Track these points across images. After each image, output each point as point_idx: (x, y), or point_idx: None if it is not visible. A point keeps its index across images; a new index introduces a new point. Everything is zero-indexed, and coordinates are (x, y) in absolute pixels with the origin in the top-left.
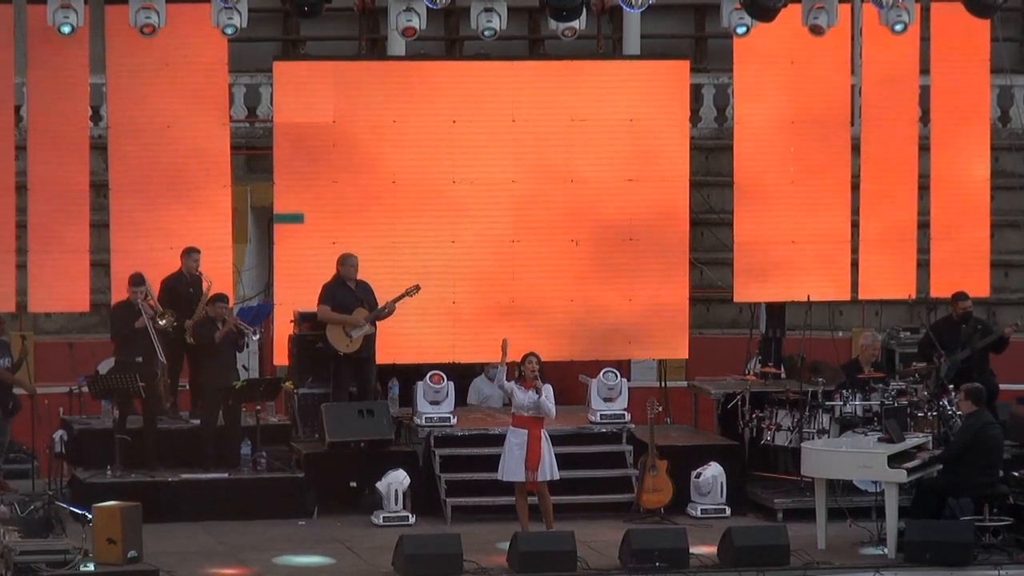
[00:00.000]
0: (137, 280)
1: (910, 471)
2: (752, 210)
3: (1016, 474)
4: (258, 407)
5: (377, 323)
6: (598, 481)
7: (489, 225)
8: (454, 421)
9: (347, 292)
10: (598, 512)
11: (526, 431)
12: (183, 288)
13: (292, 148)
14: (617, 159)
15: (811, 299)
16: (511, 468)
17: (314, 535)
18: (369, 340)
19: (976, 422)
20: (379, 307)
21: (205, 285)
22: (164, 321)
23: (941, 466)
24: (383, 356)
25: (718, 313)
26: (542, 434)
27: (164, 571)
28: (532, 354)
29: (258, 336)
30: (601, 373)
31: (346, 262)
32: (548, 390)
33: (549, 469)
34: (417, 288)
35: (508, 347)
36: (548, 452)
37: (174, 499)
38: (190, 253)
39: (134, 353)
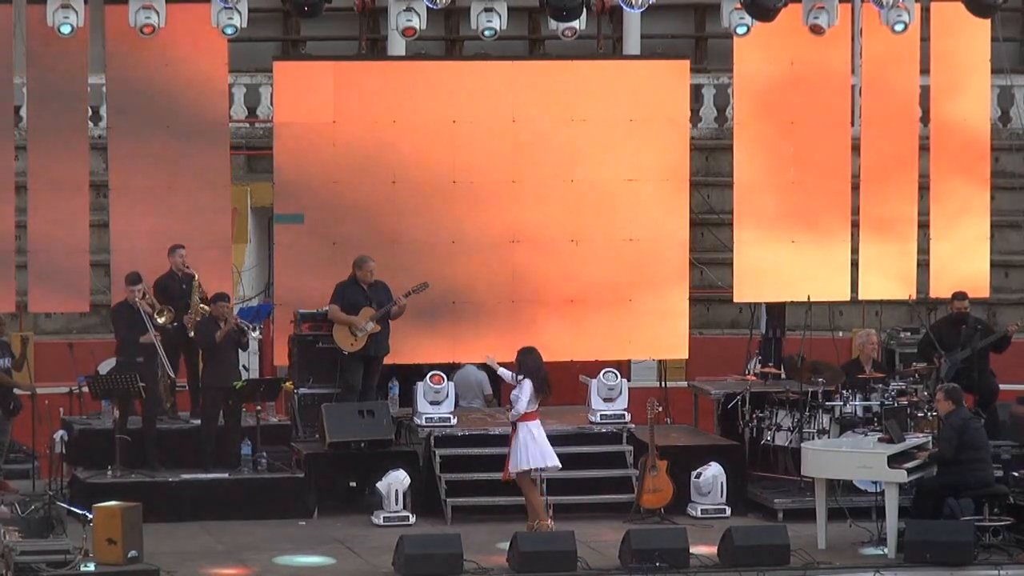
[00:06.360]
0: (133, 279)
1: (910, 471)
2: (752, 210)
3: (1016, 474)
4: (258, 407)
5: (390, 322)
6: (598, 481)
7: (489, 225)
8: (454, 421)
9: (358, 291)
10: (598, 512)
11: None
12: (176, 286)
13: (292, 148)
14: (617, 159)
15: (811, 299)
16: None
17: (314, 535)
18: (375, 340)
19: (957, 419)
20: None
21: (196, 279)
22: (163, 319)
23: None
24: None
25: (718, 313)
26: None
27: (164, 571)
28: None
29: (258, 334)
30: (601, 373)
31: (362, 266)
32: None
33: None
34: (425, 285)
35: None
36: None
37: (174, 499)
38: (175, 250)
39: (135, 353)
